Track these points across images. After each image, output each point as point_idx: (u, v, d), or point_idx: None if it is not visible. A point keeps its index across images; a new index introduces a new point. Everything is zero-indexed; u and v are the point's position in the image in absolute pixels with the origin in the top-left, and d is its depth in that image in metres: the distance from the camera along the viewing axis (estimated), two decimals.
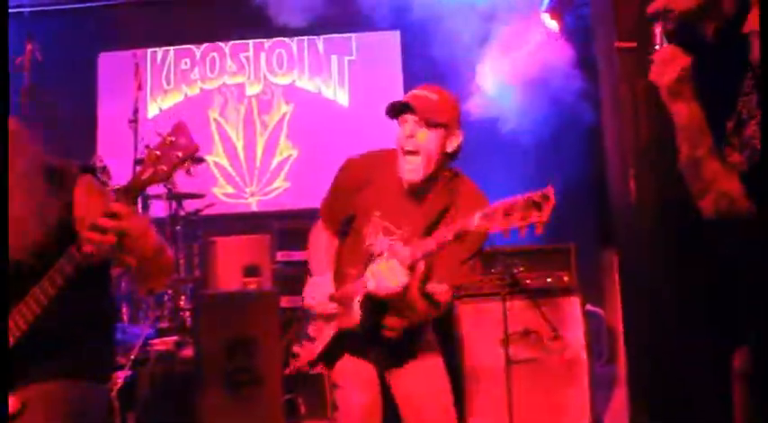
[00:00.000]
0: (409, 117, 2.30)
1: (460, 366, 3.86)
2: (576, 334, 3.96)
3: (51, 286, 1.83)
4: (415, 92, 2.34)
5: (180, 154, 1.80)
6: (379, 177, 2.45)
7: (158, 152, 1.80)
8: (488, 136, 5.09)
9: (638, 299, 3.34)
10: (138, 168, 1.85)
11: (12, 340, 1.83)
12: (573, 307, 4.00)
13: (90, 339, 2.01)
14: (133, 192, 1.83)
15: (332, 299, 2.40)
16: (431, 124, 2.29)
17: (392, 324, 2.37)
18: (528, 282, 4.01)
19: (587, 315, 4.06)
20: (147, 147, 1.89)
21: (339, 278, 2.46)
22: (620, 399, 4.22)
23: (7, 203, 1.86)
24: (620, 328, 5.04)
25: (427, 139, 2.30)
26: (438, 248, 2.09)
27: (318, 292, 2.44)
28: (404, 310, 2.30)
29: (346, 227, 2.57)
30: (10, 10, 6.72)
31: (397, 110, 2.33)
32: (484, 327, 3.91)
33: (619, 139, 2.87)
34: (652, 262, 2.83)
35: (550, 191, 1.81)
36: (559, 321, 3.95)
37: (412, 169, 2.31)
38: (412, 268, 2.14)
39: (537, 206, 1.80)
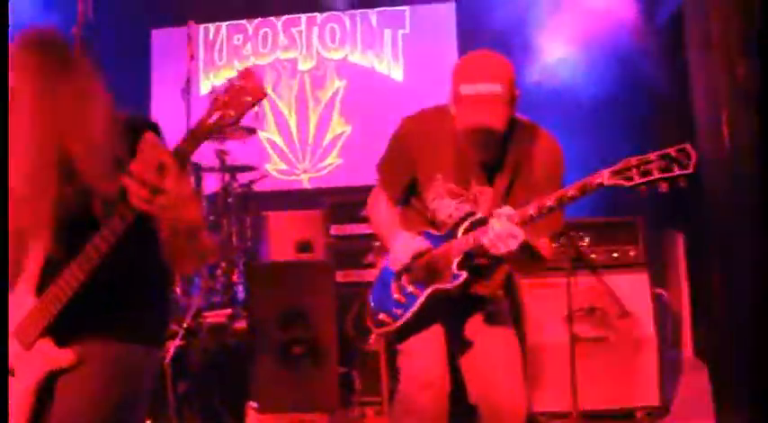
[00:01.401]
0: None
1: (523, 343, 3.69)
2: (644, 311, 3.77)
3: (103, 242, 1.72)
4: (480, 95, 2.12)
5: (249, 99, 1.68)
6: (437, 137, 2.31)
7: (226, 97, 1.69)
8: (552, 105, 4.89)
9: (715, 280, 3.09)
10: (204, 113, 1.72)
11: (65, 298, 1.74)
12: (641, 283, 3.81)
13: (145, 300, 1.91)
14: (200, 136, 1.70)
15: (420, 258, 2.29)
16: (507, 121, 2.17)
17: (492, 283, 2.36)
18: (593, 256, 3.83)
19: (655, 295, 3.86)
20: (213, 91, 1.75)
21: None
22: (687, 384, 4.02)
23: (8, 203, 1.75)
24: (685, 311, 4.85)
25: (498, 132, 2.17)
26: (557, 206, 1.99)
27: (409, 248, 2.30)
28: (512, 265, 2.26)
29: (407, 193, 2.44)
30: None
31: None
32: (547, 302, 3.74)
33: (709, 83, 2.63)
34: (754, 230, 2.56)
35: (689, 146, 1.82)
36: (626, 298, 3.75)
37: (488, 158, 2.25)
38: (523, 225, 2.03)
39: (676, 161, 1.80)
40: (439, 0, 6.23)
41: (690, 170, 1.81)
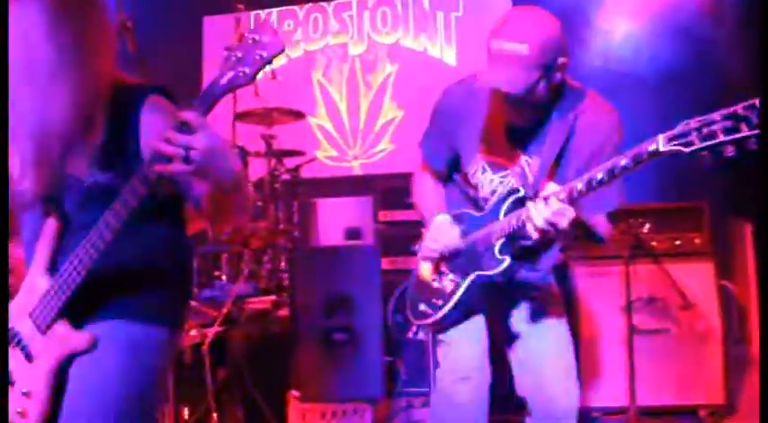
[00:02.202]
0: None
1: (577, 335, 3.52)
2: (709, 303, 3.56)
3: (123, 208, 1.61)
4: (502, 52, 1.96)
5: (264, 54, 1.54)
6: (479, 106, 2.16)
7: (239, 53, 1.55)
8: (613, 81, 4.68)
9: None
10: (216, 72, 1.60)
11: (83, 271, 1.65)
12: (705, 273, 3.60)
13: (161, 280, 1.81)
14: (211, 98, 1.57)
15: (459, 243, 2.15)
16: (528, 87, 1.98)
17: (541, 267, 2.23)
18: (654, 244, 3.62)
19: (720, 286, 3.63)
20: (225, 48, 1.62)
21: (461, 224, 2.21)
22: (754, 383, 3.78)
23: (8, 203, 1.67)
24: (753, 305, 4.58)
25: (529, 97, 2.00)
26: (609, 177, 1.77)
27: (443, 236, 2.16)
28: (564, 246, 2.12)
29: (451, 169, 2.30)
30: None
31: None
32: (604, 292, 3.56)
33: None
34: None
35: (758, 100, 1.55)
36: (690, 289, 3.54)
37: (525, 121, 2.10)
38: (572, 202, 1.83)
39: (745, 120, 1.55)
40: None
41: (760, 130, 1.55)
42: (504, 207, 2.05)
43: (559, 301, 2.32)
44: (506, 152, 2.14)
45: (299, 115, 4.83)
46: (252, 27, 1.59)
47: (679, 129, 1.65)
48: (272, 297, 3.89)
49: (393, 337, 3.43)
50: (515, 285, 2.20)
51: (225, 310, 3.23)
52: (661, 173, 4.21)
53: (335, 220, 5.08)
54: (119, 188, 1.61)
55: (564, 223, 1.82)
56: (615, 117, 2.07)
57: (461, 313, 2.18)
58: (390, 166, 6.14)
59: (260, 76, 1.59)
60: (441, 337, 2.24)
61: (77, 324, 1.69)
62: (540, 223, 1.83)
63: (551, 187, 1.88)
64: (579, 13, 5.10)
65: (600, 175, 1.78)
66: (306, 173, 5.48)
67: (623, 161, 1.73)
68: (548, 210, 1.82)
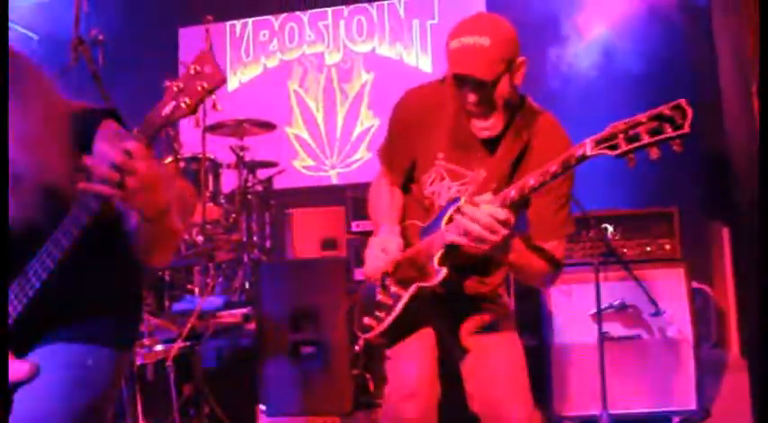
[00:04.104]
0: (470, 86, 1.97)
1: (548, 343, 3.51)
2: (680, 310, 3.53)
3: (65, 237, 1.60)
4: (464, 46, 1.94)
5: (205, 84, 1.53)
6: (438, 113, 2.12)
7: (180, 84, 1.54)
8: (585, 83, 4.69)
9: (760, 275, 2.82)
10: (158, 103, 1.59)
11: (26, 298, 1.62)
12: (677, 279, 3.57)
13: (109, 302, 1.78)
14: (151, 129, 1.57)
15: (401, 258, 2.09)
16: (496, 81, 1.95)
17: (491, 280, 2.17)
18: (625, 250, 3.61)
19: (692, 292, 3.61)
20: (167, 80, 1.62)
21: (408, 234, 2.15)
22: (730, 387, 3.77)
23: (7, 201, 1.65)
24: (730, 308, 4.58)
25: (496, 93, 1.97)
26: (540, 184, 1.76)
27: (386, 249, 2.10)
28: (507, 266, 2.02)
29: (410, 174, 2.25)
30: None
31: (459, 83, 1.99)
32: (574, 300, 3.54)
33: (735, 48, 2.36)
34: None
35: (683, 102, 1.54)
36: (661, 295, 3.52)
37: (486, 128, 2.02)
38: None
39: (669, 121, 1.54)
40: None
41: (685, 130, 1.54)
42: (446, 217, 2.01)
43: (511, 315, 2.29)
44: (465, 161, 2.10)
45: (269, 126, 4.80)
46: (193, 58, 1.57)
47: (606, 131, 1.64)
48: (243, 310, 3.85)
49: (360, 350, 3.39)
50: (463, 298, 2.16)
51: (189, 325, 3.19)
52: (632, 179, 4.22)
53: (311, 230, 5.07)
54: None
55: (495, 228, 1.79)
56: (567, 143, 2.05)
57: (405, 326, 2.12)
58: (368, 174, 6.10)
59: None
60: (387, 352, 2.20)
61: (23, 349, 1.66)
62: (471, 227, 1.80)
63: (486, 196, 1.86)
64: (550, 22, 5.12)
65: (531, 181, 1.77)
66: (282, 183, 5.46)
67: (553, 167, 1.72)
68: (478, 212, 1.80)
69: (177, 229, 1.72)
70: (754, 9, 2.27)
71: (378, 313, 2.10)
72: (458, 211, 1.92)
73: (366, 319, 2.13)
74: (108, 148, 1.63)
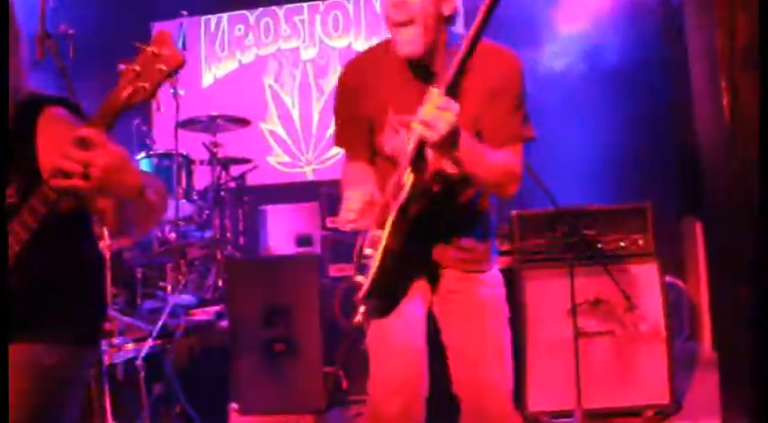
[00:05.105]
0: None
1: (522, 339, 3.50)
2: (653, 304, 3.53)
3: (23, 230, 1.56)
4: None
5: (164, 67, 1.49)
6: (379, 71, 2.10)
7: (137, 67, 1.50)
8: (561, 82, 4.70)
9: (732, 268, 2.83)
10: (115, 87, 1.54)
11: None
12: (650, 274, 3.57)
13: (67, 300, 1.74)
14: (109, 115, 1.52)
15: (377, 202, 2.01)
16: None
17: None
18: (599, 245, 3.60)
19: (666, 286, 3.62)
20: (124, 62, 1.56)
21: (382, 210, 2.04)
22: (703, 380, 3.79)
23: (6, 196, 1.61)
24: (703, 301, 4.60)
25: (419, 3, 1.95)
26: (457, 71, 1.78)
27: (352, 204, 2.01)
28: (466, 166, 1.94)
29: (372, 145, 2.18)
30: None
31: None
32: (549, 295, 3.53)
33: (706, 46, 2.35)
34: (756, 215, 2.28)
35: None
36: (635, 290, 3.52)
37: (409, 40, 1.97)
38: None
39: None
40: None
41: None
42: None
43: (502, 299, 2.23)
44: (413, 107, 1.95)
45: (243, 122, 4.75)
46: (151, 40, 1.52)
47: None
48: (216, 308, 3.81)
49: (334, 347, 3.37)
50: (440, 224, 2.09)
51: (160, 323, 3.15)
52: (605, 175, 4.24)
53: (286, 226, 5.04)
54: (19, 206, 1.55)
55: (448, 121, 1.77)
56: (518, 63, 2.04)
57: (390, 278, 2.00)
58: None
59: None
60: (369, 341, 2.16)
61: None
62: (419, 121, 1.79)
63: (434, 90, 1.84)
64: (527, 16, 5.11)
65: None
66: (257, 179, 5.42)
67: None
68: (422, 111, 1.79)
69: (153, 203, 1.67)
70: (729, 7, 2.27)
71: (365, 266, 2.04)
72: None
73: (358, 277, 2.07)
74: (61, 135, 1.58)
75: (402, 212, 1.94)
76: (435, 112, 1.78)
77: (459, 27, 2.11)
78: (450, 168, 1.95)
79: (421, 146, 1.89)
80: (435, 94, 1.80)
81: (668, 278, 4.00)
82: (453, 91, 1.86)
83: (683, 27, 4.02)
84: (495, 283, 2.24)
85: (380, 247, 1.96)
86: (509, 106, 2.03)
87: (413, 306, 2.14)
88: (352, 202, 2.01)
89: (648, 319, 3.51)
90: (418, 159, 1.92)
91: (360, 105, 2.14)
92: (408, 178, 1.92)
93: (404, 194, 1.92)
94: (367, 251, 2.04)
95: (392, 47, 2.02)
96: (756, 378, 2.37)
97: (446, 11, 2.02)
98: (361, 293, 2.04)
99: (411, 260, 2.07)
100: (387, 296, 2.08)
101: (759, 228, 2.33)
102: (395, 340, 2.11)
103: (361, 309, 2.09)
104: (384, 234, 1.95)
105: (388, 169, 2.10)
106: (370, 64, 2.15)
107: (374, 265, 1.98)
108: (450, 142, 1.82)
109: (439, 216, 2.07)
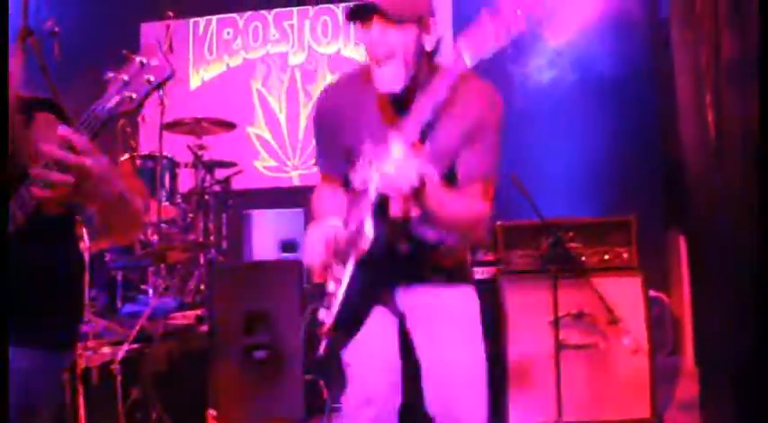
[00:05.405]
0: (375, 19, 1.92)
1: (504, 351, 3.49)
2: (636, 318, 3.53)
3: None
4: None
5: (152, 78, 1.48)
6: (357, 100, 2.07)
7: (126, 76, 1.48)
8: (548, 94, 4.70)
9: (715, 283, 2.83)
10: (101, 95, 1.52)
11: None
12: (633, 288, 3.58)
13: (39, 302, 1.70)
14: (94, 123, 1.50)
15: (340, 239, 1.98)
16: (402, 21, 1.91)
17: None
18: (582, 258, 3.60)
19: (649, 300, 3.63)
20: (111, 70, 1.54)
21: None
22: (684, 394, 3.80)
23: (7, 202, 1.58)
24: (686, 316, 4.61)
25: (400, 38, 1.92)
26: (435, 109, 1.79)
27: (317, 242, 2.00)
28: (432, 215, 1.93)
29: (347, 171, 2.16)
30: None
31: (362, 14, 1.95)
32: (532, 308, 3.52)
33: (691, 60, 2.35)
34: (740, 230, 2.28)
35: None
36: (618, 303, 3.52)
37: (388, 78, 1.94)
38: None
39: None
40: None
41: None
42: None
43: (476, 316, 2.22)
44: (388, 138, 1.96)
45: (229, 126, 4.72)
46: (140, 50, 1.51)
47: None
48: (196, 312, 3.77)
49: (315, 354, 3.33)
50: (406, 260, 2.06)
51: (139, 326, 3.10)
52: (590, 187, 4.24)
53: (270, 232, 5.00)
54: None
55: (408, 174, 1.77)
56: (494, 93, 2.02)
57: (356, 311, 1.99)
58: None
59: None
60: (346, 358, 2.14)
61: None
62: (387, 170, 1.78)
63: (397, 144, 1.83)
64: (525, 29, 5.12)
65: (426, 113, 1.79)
66: (243, 184, 5.38)
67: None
68: (389, 162, 1.78)
69: (137, 208, 1.66)
70: (714, 23, 2.28)
71: (329, 304, 2.02)
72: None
73: (320, 313, 2.05)
74: (48, 140, 1.56)
75: (363, 262, 1.93)
76: (397, 166, 1.77)
77: (447, 30, 2.09)
78: (413, 216, 1.95)
79: (382, 198, 1.87)
80: (397, 149, 1.79)
81: (652, 292, 4.01)
82: (427, 130, 1.87)
83: (669, 40, 4.05)
84: (468, 298, 2.20)
85: (342, 286, 1.96)
86: (485, 146, 2.01)
87: (383, 326, 2.11)
88: (316, 244, 2.00)
89: (631, 332, 3.51)
90: (380, 210, 1.90)
91: (337, 133, 2.12)
92: (369, 229, 1.89)
93: (365, 244, 1.90)
94: (330, 287, 2.03)
95: (372, 79, 1.98)
96: (738, 393, 2.36)
97: (428, 46, 1.97)
98: (324, 328, 2.03)
99: (377, 290, 2.06)
100: (353, 325, 2.05)
101: (748, 243, 2.33)
102: (369, 350, 2.09)
103: (324, 343, 2.08)
104: (345, 275, 1.95)
105: (358, 200, 2.05)
106: (348, 91, 2.12)
107: (337, 302, 1.97)
108: (412, 196, 1.82)
109: (405, 257, 2.05)
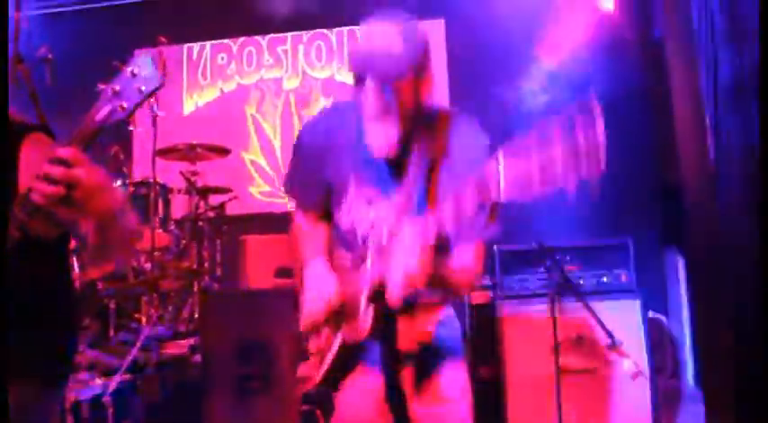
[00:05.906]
0: (368, 78, 1.80)
1: (503, 377, 3.44)
2: (636, 341, 3.49)
3: None
4: (370, 34, 1.84)
5: (143, 88, 1.46)
6: (346, 136, 1.97)
7: (116, 87, 1.46)
8: (542, 117, 4.68)
9: (715, 304, 2.79)
10: (92, 107, 1.50)
11: None
12: (632, 310, 3.54)
13: (41, 332, 1.66)
14: (87, 135, 1.48)
15: (331, 304, 1.91)
16: (399, 78, 1.80)
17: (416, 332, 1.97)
18: (581, 281, 3.57)
19: (648, 323, 3.59)
20: (102, 81, 1.53)
21: (336, 270, 1.96)
22: (686, 417, 3.75)
23: (8, 205, 1.55)
24: (686, 337, 4.57)
25: (398, 94, 1.80)
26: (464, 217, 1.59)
27: (316, 292, 1.92)
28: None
29: (327, 205, 2.05)
30: (49, 10, 6.70)
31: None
32: (530, 332, 3.48)
33: (688, 81, 2.33)
34: (740, 252, 2.24)
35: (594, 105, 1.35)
36: (617, 327, 3.47)
37: (383, 140, 1.84)
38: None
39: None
40: (427, 17, 6.02)
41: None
42: (369, 257, 1.83)
43: (457, 351, 2.17)
44: (375, 180, 1.93)
45: (223, 151, 4.69)
46: (131, 60, 1.49)
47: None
48: (190, 341, 3.71)
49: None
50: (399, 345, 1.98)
51: (131, 357, 3.05)
52: (587, 210, 4.20)
53: (265, 258, 4.95)
54: None
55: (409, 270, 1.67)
56: (479, 132, 1.92)
57: (344, 371, 1.97)
58: None
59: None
60: (335, 398, 2.08)
61: None
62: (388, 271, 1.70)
63: (408, 235, 1.70)
64: (507, 50, 5.13)
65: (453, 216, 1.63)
66: (238, 209, 5.35)
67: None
68: (394, 260, 1.69)
69: (132, 227, 1.65)
70: (710, 46, 2.26)
71: (313, 360, 1.97)
72: (380, 252, 1.79)
73: (301, 368, 2.00)
74: (40, 160, 1.54)
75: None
76: (406, 259, 1.67)
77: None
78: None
79: (380, 284, 1.78)
80: (405, 242, 1.68)
81: (651, 314, 3.97)
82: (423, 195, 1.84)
83: (663, 59, 4.05)
84: (446, 321, 2.10)
85: (329, 356, 1.93)
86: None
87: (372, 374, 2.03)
88: (314, 303, 1.93)
89: (631, 356, 3.46)
90: (377, 296, 1.81)
91: (319, 169, 2.01)
92: (364, 316, 1.83)
93: (359, 334, 1.84)
94: (311, 346, 1.99)
95: (364, 138, 1.87)
96: (741, 412, 2.32)
97: (425, 96, 1.88)
98: (308, 386, 2.00)
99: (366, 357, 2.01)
100: (339, 380, 2.01)
101: (749, 272, 2.29)
102: (355, 379, 2.04)
103: (307, 401, 2.05)
104: (333, 348, 1.92)
105: (342, 235, 2.00)
106: (333, 126, 2.02)
107: (323, 367, 1.94)
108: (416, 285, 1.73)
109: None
